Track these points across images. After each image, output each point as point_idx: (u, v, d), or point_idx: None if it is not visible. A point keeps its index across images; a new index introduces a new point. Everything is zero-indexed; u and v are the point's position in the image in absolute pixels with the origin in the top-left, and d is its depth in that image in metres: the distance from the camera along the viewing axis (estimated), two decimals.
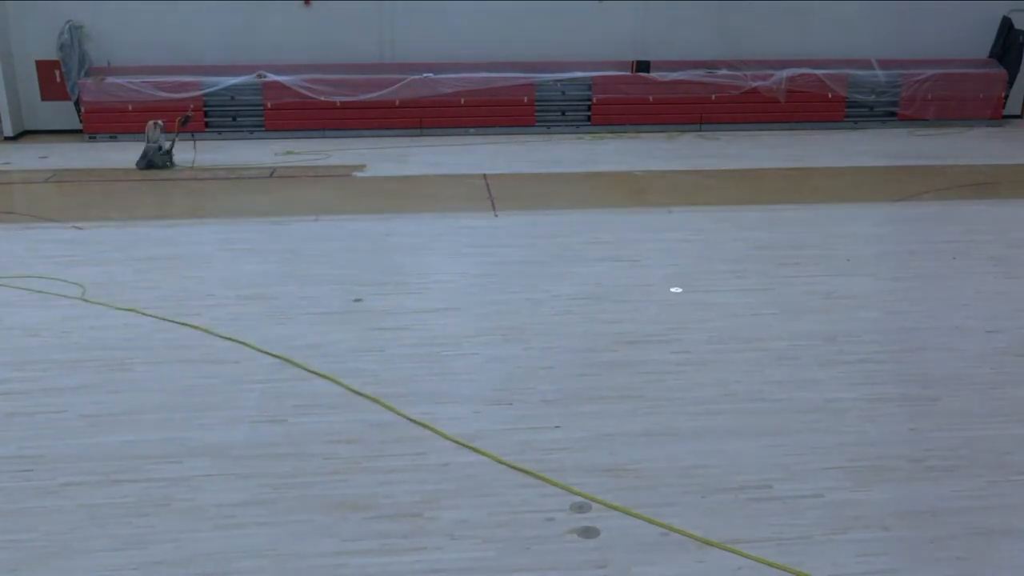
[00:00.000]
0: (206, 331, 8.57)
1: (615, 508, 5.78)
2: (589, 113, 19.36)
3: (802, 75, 19.30)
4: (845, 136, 19.03)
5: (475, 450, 6.46)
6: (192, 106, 17.52)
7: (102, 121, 18.22)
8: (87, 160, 16.59)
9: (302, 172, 15.70)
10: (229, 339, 8.39)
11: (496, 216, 12.82)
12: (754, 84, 19.22)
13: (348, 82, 18.58)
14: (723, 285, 9.89)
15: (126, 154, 16.53)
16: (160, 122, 16.07)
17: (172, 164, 15.99)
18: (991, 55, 20.28)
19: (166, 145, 16.05)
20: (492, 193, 14.14)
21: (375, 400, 7.21)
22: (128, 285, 9.87)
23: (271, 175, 15.52)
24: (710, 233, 11.87)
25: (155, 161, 15.83)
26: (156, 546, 5.41)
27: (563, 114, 19.39)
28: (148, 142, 15.86)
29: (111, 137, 18.32)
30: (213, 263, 10.69)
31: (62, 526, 5.60)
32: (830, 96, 19.48)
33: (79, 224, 12.30)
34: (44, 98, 18.86)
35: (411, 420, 6.89)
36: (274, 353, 8.08)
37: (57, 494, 5.94)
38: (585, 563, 5.26)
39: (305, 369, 7.77)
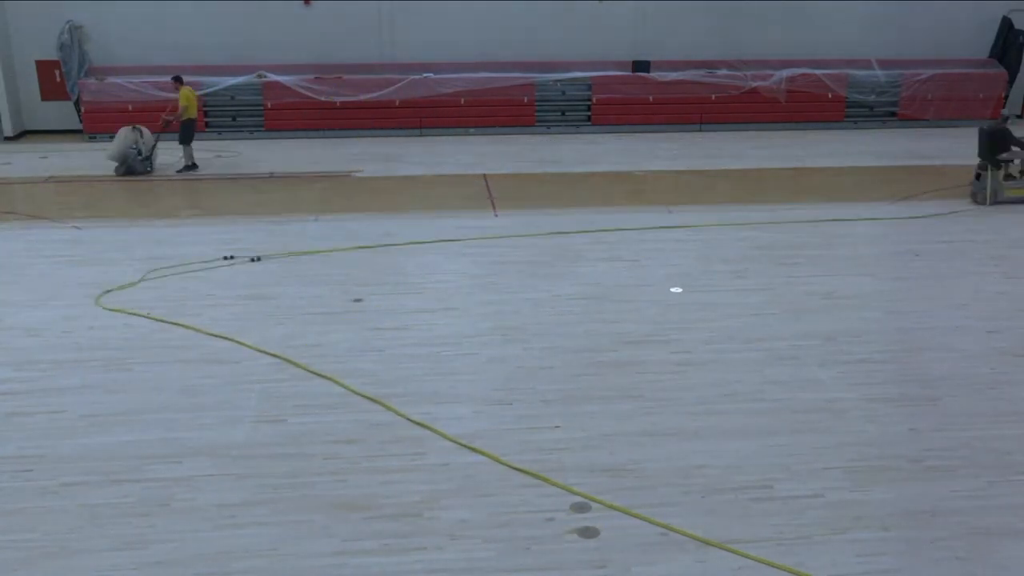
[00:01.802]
0: (206, 331, 8.57)
1: (615, 508, 5.77)
2: (589, 113, 19.37)
3: (802, 75, 19.32)
4: (845, 136, 19.03)
5: (475, 450, 6.46)
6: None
7: (102, 121, 18.21)
8: (87, 160, 16.59)
9: (302, 172, 15.69)
10: (229, 339, 8.40)
11: (496, 216, 12.81)
12: (754, 84, 19.23)
13: (348, 82, 18.59)
14: (723, 285, 9.88)
15: None
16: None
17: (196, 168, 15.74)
18: (991, 55, 20.30)
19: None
20: (492, 193, 14.14)
21: (375, 400, 7.21)
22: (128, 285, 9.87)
23: (270, 175, 15.52)
24: (710, 233, 11.88)
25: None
26: (156, 546, 5.41)
27: (563, 114, 19.39)
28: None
29: (111, 137, 18.24)
30: (212, 263, 10.68)
31: (62, 526, 5.60)
32: (830, 96, 19.49)
33: (79, 224, 12.30)
34: (44, 98, 18.90)
35: (411, 420, 6.89)
36: (274, 353, 8.08)
37: (57, 494, 5.94)
38: (585, 563, 5.26)
39: (305, 369, 7.77)
